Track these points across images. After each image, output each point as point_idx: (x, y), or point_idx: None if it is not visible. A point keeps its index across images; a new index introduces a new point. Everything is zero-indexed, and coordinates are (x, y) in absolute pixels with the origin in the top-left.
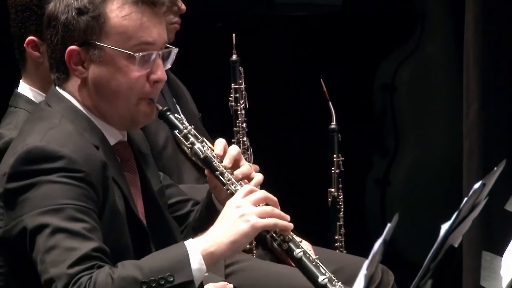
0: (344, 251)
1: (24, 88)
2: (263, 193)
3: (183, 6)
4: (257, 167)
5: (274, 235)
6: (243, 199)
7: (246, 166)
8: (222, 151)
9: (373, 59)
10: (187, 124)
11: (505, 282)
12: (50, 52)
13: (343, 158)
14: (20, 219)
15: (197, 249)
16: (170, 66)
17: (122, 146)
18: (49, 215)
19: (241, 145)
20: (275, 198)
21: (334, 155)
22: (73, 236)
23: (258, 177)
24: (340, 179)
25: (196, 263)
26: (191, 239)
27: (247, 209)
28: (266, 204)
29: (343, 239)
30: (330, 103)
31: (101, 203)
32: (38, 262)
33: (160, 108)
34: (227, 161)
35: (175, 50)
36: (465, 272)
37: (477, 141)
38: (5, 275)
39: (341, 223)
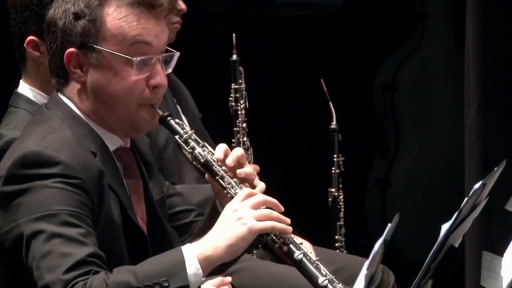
0: (344, 251)
1: (24, 88)
2: (262, 197)
3: (183, 6)
4: (258, 167)
5: (274, 237)
6: (241, 203)
7: (249, 168)
8: (223, 155)
9: (373, 59)
10: (187, 129)
11: (505, 282)
12: (50, 57)
13: (343, 158)
14: (16, 224)
15: (193, 253)
16: (171, 70)
17: (124, 152)
18: (44, 221)
19: (241, 145)
20: (275, 201)
21: (334, 155)
22: (68, 241)
23: (261, 185)
24: (340, 179)
25: (192, 267)
26: (188, 243)
27: (244, 212)
28: (267, 207)
29: (343, 239)
30: (330, 103)
31: (96, 212)
32: (34, 268)
33: (161, 113)
34: (230, 160)
35: (176, 54)
36: (467, 272)
37: (477, 141)
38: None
39: (342, 223)
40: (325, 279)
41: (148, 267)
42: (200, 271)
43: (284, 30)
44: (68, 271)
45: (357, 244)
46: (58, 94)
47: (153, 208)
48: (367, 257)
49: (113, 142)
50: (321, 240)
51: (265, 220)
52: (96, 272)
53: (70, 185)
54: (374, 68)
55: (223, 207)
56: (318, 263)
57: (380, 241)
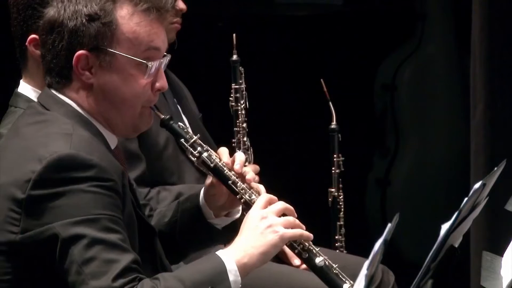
0: (344, 251)
1: (25, 88)
2: (282, 204)
3: (183, 6)
4: (258, 168)
5: (293, 244)
6: (266, 210)
7: (251, 172)
8: (229, 159)
9: (373, 59)
10: (191, 133)
11: (505, 282)
12: (52, 57)
13: (343, 158)
14: (49, 227)
15: (232, 260)
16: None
17: (117, 151)
18: (83, 225)
19: (241, 145)
20: (292, 208)
21: (334, 155)
22: (111, 247)
23: (262, 188)
24: (340, 179)
25: (232, 275)
26: (221, 250)
27: (273, 220)
28: (284, 214)
29: (343, 239)
30: (330, 103)
31: (122, 211)
32: (73, 273)
33: (162, 116)
34: (238, 166)
35: (168, 57)
36: (472, 273)
37: (483, 141)
38: (11, 282)
39: (342, 223)
40: (349, 286)
41: (193, 275)
42: (239, 278)
43: (284, 30)
44: (116, 278)
45: (357, 244)
46: (55, 92)
47: (137, 201)
48: (367, 257)
49: (112, 142)
50: (321, 240)
51: (290, 227)
52: (141, 279)
53: (105, 188)
54: (374, 68)
55: (212, 207)
56: (338, 269)
57: (380, 241)
